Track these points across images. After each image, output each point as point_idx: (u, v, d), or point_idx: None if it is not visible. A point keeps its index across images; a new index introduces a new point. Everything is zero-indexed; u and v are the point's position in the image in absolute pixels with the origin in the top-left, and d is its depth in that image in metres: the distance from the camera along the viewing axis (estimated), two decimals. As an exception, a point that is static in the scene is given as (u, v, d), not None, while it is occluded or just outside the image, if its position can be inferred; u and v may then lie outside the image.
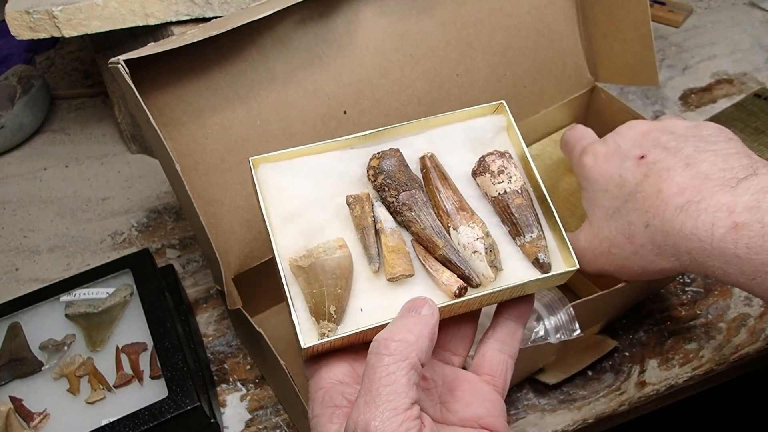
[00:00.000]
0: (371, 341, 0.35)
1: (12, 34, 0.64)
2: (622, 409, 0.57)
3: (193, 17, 0.65)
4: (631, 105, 0.78)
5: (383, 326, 0.36)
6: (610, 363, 0.60)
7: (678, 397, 0.61)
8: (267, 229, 0.40)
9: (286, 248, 0.40)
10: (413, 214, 0.41)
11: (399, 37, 0.59)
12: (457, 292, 0.39)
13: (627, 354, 0.60)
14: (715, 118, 0.80)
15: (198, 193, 0.43)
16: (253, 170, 0.42)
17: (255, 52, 0.52)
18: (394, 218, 0.42)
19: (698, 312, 0.63)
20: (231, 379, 0.61)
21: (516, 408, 0.58)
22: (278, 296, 0.63)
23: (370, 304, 0.39)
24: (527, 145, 0.45)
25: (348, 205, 0.42)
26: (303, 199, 0.42)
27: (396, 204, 0.41)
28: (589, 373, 0.59)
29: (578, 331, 0.53)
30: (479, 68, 0.63)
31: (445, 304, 0.38)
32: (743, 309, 0.63)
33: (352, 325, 0.39)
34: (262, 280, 0.56)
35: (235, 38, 0.50)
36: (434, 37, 0.60)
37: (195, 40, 0.45)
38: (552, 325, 0.55)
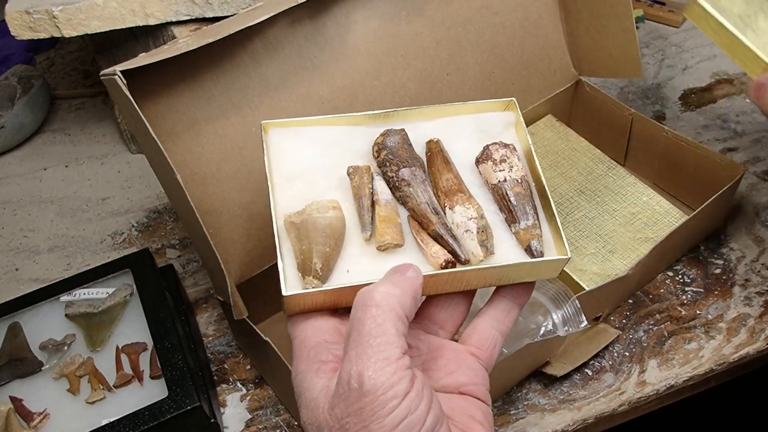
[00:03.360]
0: None
1: (12, 34, 0.64)
2: (622, 409, 0.57)
3: (193, 17, 0.65)
4: (631, 105, 0.78)
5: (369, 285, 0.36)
6: (611, 363, 0.60)
7: (678, 397, 0.61)
8: (269, 187, 0.41)
9: (283, 207, 0.41)
10: (411, 189, 0.41)
11: (390, 38, 0.58)
12: (444, 264, 0.39)
13: (627, 354, 0.60)
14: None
15: (196, 204, 0.43)
16: (263, 133, 0.43)
17: (247, 57, 0.52)
18: (393, 193, 0.42)
19: (698, 312, 0.63)
20: (231, 379, 0.61)
21: (516, 408, 0.58)
22: (280, 304, 0.63)
23: (358, 268, 0.40)
24: None
25: (348, 175, 0.42)
26: (307, 165, 0.43)
27: (395, 179, 0.42)
28: (589, 372, 0.59)
29: (585, 323, 0.54)
30: (469, 67, 0.64)
31: (431, 273, 0.38)
32: (743, 309, 0.63)
33: (337, 284, 0.38)
34: (263, 288, 0.56)
35: (227, 44, 0.50)
36: (424, 38, 0.60)
37: (188, 49, 0.45)
38: (559, 318, 0.56)
